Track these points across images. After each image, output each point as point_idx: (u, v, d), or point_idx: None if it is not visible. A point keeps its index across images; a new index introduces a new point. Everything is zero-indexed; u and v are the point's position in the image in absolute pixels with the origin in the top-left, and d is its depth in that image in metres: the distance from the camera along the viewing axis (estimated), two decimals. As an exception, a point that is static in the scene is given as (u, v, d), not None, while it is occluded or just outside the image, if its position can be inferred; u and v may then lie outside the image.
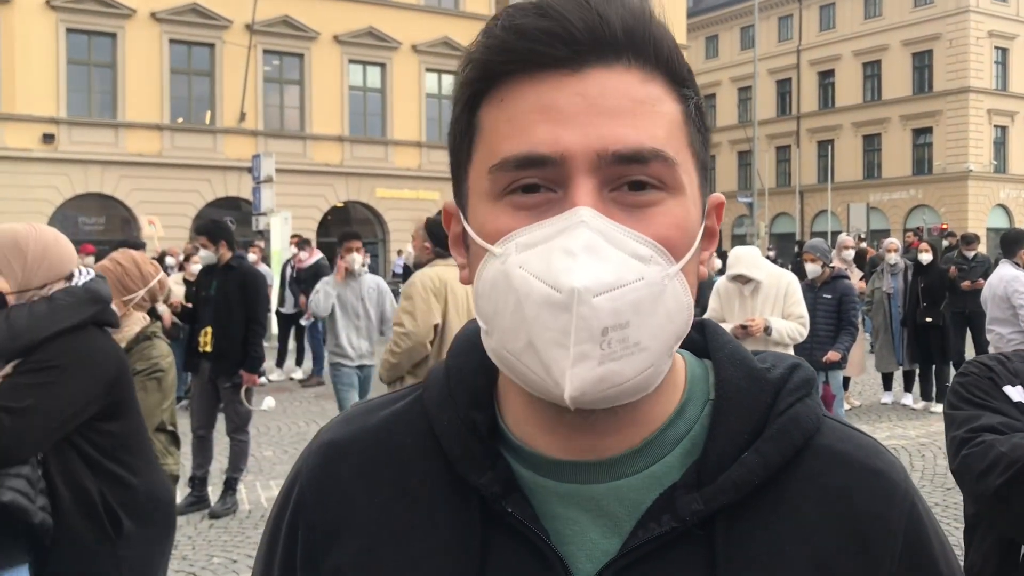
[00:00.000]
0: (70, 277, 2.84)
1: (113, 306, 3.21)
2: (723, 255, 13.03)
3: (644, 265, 0.73)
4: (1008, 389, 1.99)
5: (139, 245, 12.38)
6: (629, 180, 0.75)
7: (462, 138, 0.82)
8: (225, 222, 6.63)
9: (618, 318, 0.71)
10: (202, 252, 7.24)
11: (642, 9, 0.78)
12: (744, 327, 6.10)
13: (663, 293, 0.74)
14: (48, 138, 24.76)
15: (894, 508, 0.82)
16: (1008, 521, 1.86)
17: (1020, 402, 1.96)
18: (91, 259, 13.07)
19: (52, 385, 2.61)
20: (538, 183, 0.75)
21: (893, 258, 11.23)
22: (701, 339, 0.92)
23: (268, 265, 15.56)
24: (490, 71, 0.78)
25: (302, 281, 13.19)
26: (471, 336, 0.92)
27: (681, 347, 0.88)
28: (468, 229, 0.81)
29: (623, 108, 0.75)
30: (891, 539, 0.81)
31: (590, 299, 0.70)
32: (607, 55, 0.76)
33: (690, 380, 0.87)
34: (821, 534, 0.80)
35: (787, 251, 29.92)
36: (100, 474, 2.74)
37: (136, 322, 3.69)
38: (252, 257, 13.86)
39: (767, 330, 6.08)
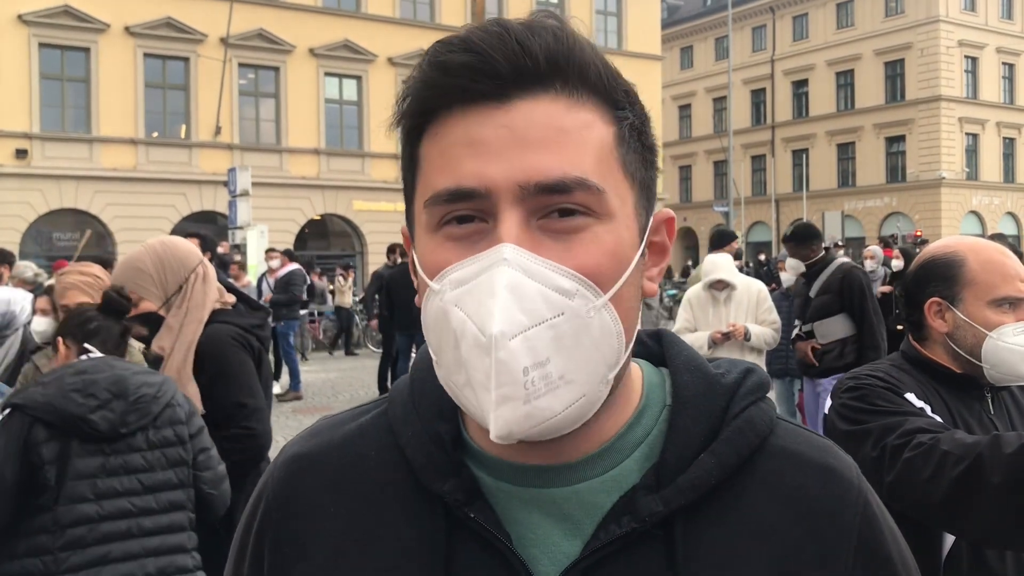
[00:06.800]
0: (197, 266, 3.10)
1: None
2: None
3: (567, 299, 0.74)
4: (909, 396, 1.93)
5: (108, 261, 12.28)
6: (556, 208, 0.76)
7: (407, 171, 0.84)
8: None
9: (536, 356, 0.73)
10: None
11: (566, 35, 0.78)
12: (726, 334, 6.18)
13: (588, 325, 0.75)
14: (21, 154, 24.51)
15: (848, 505, 0.84)
16: (959, 522, 1.73)
17: (922, 408, 1.90)
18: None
19: None
20: (470, 214, 0.77)
21: (870, 265, 11.33)
22: (658, 348, 0.94)
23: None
24: (423, 107, 0.80)
25: (275, 292, 13.24)
26: None
27: (639, 356, 0.91)
28: (416, 259, 0.83)
29: (547, 138, 0.76)
30: (845, 536, 0.83)
31: (506, 343, 0.72)
32: (531, 85, 0.77)
33: (647, 388, 0.89)
34: (778, 532, 0.82)
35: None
36: None
37: None
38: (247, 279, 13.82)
39: (746, 335, 6.18)
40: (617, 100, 0.81)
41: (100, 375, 2.66)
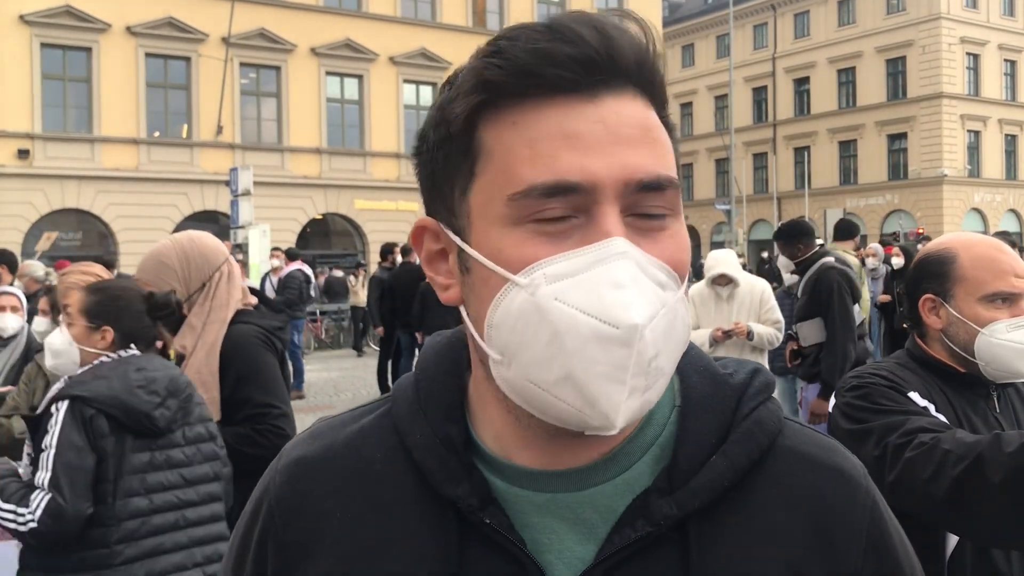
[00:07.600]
0: (223, 265, 3.03)
1: None
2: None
3: (664, 292, 0.75)
4: (912, 395, 1.92)
5: (110, 262, 12.32)
6: (647, 206, 0.77)
7: (459, 158, 0.80)
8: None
9: (656, 347, 0.74)
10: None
11: (644, 38, 0.79)
12: (727, 332, 6.10)
13: (676, 317, 0.77)
14: (23, 154, 24.51)
15: (857, 505, 0.85)
16: (961, 522, 1.74)
17: (926, 407, 1.90)
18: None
19: None
20: (563, 211, 0.75)
21: (872, 263, 11.32)
22: None
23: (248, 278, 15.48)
24: (502, 91, 0.76)
25: (277, 292, 13.29)
26: (438, 349, 0.93)
27: None
28: (476, 255, 0.79)
29: (638, 136, 0.77)
30: (855, 535, 0.84)
31: (645, 333, 0.72)
32: (619, 83, 0.77)
33: None
34: (789, 532, 0.82)
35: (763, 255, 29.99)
36: None
37: None
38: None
39: (749, 335, 6.11)
40: (666, 104, 0.82)
41: (157, 373, 2.70)
